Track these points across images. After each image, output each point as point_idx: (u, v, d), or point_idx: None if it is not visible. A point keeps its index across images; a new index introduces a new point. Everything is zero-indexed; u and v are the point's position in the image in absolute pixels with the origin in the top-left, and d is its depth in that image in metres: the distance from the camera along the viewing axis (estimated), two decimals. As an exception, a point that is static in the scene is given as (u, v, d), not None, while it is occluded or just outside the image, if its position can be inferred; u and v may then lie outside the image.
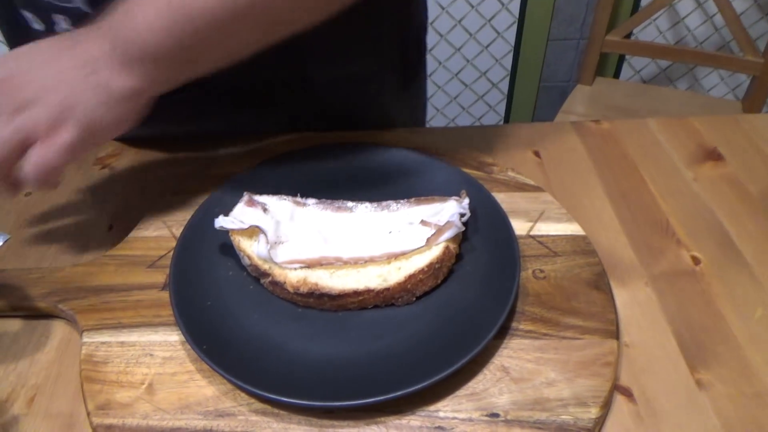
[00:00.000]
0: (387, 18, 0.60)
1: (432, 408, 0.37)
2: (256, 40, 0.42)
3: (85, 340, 0.42)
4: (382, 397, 0.36)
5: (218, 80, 0.45)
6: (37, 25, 0.50)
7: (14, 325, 0.45)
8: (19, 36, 0.49)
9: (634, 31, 1.54)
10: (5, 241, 0.50)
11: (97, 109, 0.41)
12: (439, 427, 0.36)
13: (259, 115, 0.61)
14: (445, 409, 0.37)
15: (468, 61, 1.63)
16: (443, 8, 1.51)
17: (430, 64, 1.63)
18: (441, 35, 1.57)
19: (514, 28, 1.56)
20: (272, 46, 0.42)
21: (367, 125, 0.62)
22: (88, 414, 0.38)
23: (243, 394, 0.38)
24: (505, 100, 1.73)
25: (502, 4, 1.52)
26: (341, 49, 0.58)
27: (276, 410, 0.37)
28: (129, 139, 0.62)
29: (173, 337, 0.42)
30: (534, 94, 1.72)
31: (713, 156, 0.59)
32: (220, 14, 0.39)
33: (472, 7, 1.52)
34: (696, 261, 0.48)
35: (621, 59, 1.65)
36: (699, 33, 1.58)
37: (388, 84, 0.66)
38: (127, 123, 0.43)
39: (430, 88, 1.69)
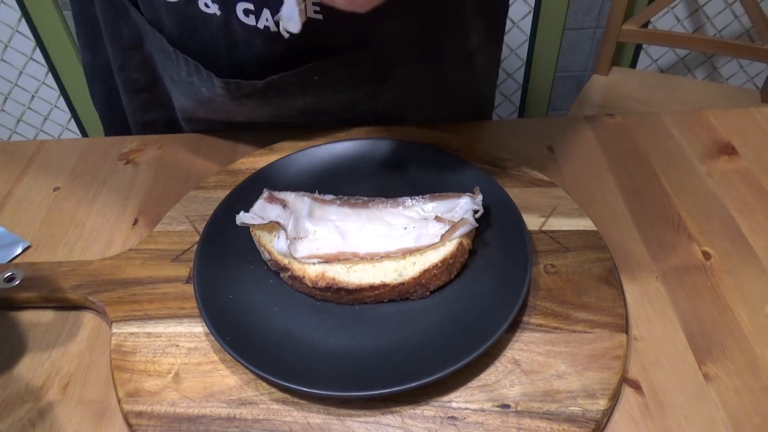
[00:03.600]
0: None
1: (445, 398, 0.39)
2: None
3: (114, 330, 0.44)
4: (397, 388, 0.37)
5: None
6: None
7: (46, 316, 0.47)
8: None
9: (652, 19, 1.53)
10: (24, 249, 0.52)
11: None
12: (452, 417, 0.38)
13: (374, 92, 0.61)
14: (458, 399, 0.39)
15: (483, 50, 1.63)
16: (458, -2, 1.51)
17: (445, 54, 1.63)
18: (456, 25, 1.56)
19: (530, 17, 1.56)
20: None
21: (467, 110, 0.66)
22: (119, 401, 0.40)
23: (264, 384, 0.40)
24: (520, 90, 1.72)
25: (518, -6, 1.51)
26: (464, 20, 0.60)
27: (296, 399, 0.39)
28: (152, 135, 0.64)
29: (197, 328, 0.44)
30: (549, 84, 1.71)
31: (727, 150, 0.59)
32: None
33: (488, -4, 1.51)
34: (707, 256, 0.49)
35: (638, 48, 1.63)
36: (718, 21, 1.56)
37: (487, 63, 0.69)
38: None
39: (445, 79, 1.69)
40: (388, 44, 0.56)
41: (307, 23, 0.50)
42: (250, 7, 0.50)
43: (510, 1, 1.51)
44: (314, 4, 0.49)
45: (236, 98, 0.56)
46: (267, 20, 0.50)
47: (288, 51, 0.53)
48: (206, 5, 0.51)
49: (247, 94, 0.56)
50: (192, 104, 0.61)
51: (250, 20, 0.51)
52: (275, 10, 0.49)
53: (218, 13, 0.51)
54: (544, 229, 0.50)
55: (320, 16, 0.50)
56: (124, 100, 0.68)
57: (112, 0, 0.59)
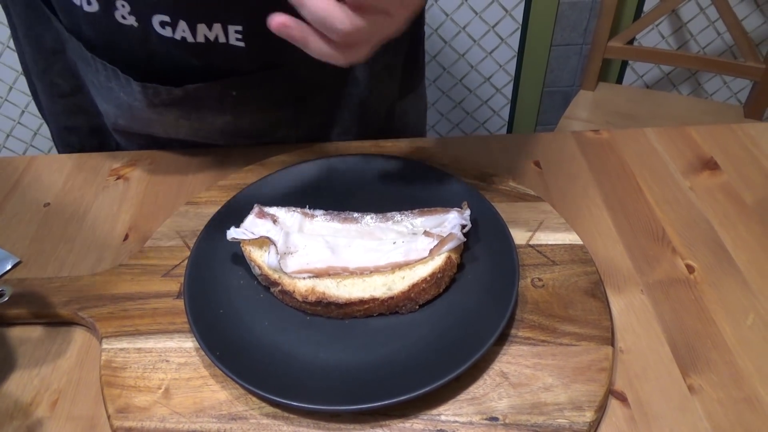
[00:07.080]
0: None
1: (434, 412, 0.39)
2: None
3: (104, 346, 0.44)
4: (386, 402, 0.38)
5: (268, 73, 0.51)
6: (89, 7, 0.52)
7: (36, 331, 0.47)
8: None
9: (637, 36, 1.56)
10: (14, 265, 0.52)
11: None
12: (441, 430, 0.38)
13: (293, 115, 0.62)
14: (447, 413, 0.39)
15: (472, 66, 1.65)
16: (447, 15, 1.53)
17: (435, 69, 1.64)
18: (445, 41, 1.59)
19: (518, 34, 1.58)
20: None
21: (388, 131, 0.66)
22: (109, 417, 0.40)
23: (254, 399, 0.40)
24: (509, 105, 1.74)
25: (506, 11, 1.53)
26: None
27: (286, 414, 0.39)
28: (143, 150, 0.65)
29: (188, 343, 0.44)
30: (537, 100, 1.74)
31: (710, 165, 0.60)
32: None
33: (476, 13, 1.54)
34: (690, 269, 0.50)
35: (624, 64, 1.66)
36: (701, 38, 1.59)
37: (403, 84, 0.69)
38: None
39: (435, 94, 1.70)
40: (302, 67, 0.57)
41: (228, 49, 0.52)
42: (167, 19, 0.51)
43: (498, 18, 1.54)
44: (236, 32, 0.51)
45: (155, 105, 0.56)
46: (183, 31, 0.51)
47: (205, 65, 0.54)
48: (123, 17, 0.51)
49: (165, 102, 0.56)
50: (113, 110, 0.60)
51: (167, 32, 0.51)
52: (191, 21, 0.50)
53: (135, 24, 0.52)
54: (531, 243, 0.50)
55: (242, 44, 0.52)
56: (44, 103, 0.68)
57: (32, 6, 0.59)
